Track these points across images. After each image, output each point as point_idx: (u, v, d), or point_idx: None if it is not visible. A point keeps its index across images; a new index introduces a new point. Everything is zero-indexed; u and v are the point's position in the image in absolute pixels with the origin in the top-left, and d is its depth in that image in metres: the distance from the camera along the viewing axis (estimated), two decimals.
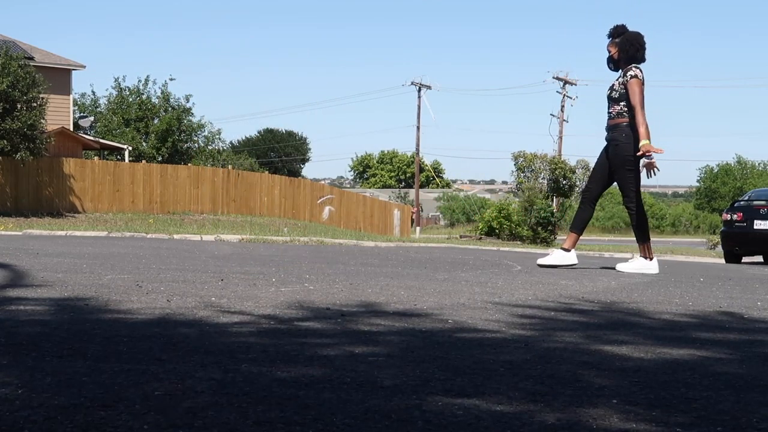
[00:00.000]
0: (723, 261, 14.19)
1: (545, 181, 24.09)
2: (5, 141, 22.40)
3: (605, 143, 6.98)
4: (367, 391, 1.86)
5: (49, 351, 2.24)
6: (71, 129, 30.97)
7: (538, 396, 1.88)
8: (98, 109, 47.07)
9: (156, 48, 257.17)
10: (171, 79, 53.76)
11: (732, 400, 1.91)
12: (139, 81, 45.60)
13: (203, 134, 46.19)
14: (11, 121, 22.39)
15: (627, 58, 6.81)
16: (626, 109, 6.73)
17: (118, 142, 37.72)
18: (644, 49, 6.86)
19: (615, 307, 3.92)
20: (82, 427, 1.50)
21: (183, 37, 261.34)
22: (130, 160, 34.69)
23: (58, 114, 29.55)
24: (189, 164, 35.34)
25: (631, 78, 6.70)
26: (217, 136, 47.51)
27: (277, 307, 3.38)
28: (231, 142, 75.12)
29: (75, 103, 38.63)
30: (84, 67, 32.03)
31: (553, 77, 45.51)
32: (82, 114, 40.78)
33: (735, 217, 13.84)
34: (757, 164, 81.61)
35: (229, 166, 35.40)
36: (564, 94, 45.26)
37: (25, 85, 22.93)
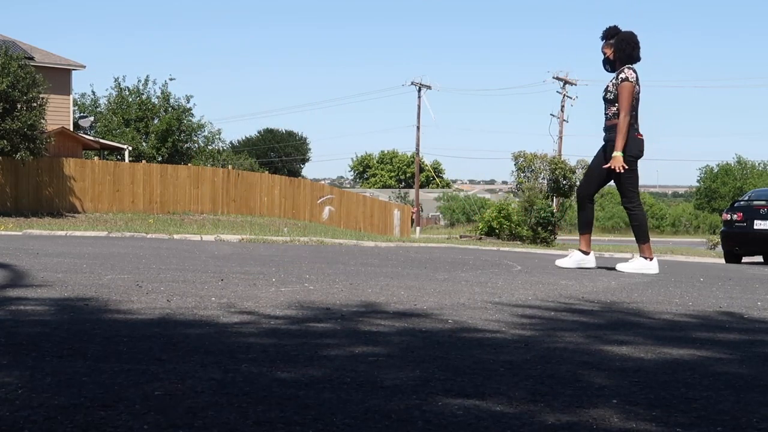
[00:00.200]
0: (723, 261, 14.20)
1: (545, 181, 24.08)
2: (5, 141, 22.40)
3: (603, 143, 7.00)
4: (367, 391, 1.86)
5: (49, 351, 2.24)
6: (71, 129, 30.97)
7: (538, 396, 1.88)
8: (98, 109, 47.07)
9: (156, 48, 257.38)
10: (171, 79, 53.82)
11: (732, 400, 1.91)
12: (139, 81, 45.65)
13: (203, 134, 46.22)
14: (11, 121, 22.39)
15: (623, 58, 6.83)
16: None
17: (118, 142, 37.73)
18: (639, 47, 6.89)
19: (615, 307, 3.92)
20: (82, 427, 1.50)
21: (183, 37, 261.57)
22: (130, 160, 34.69)
23: (58, 114, 29.55)
24: (189, 164, 35.34)
25: (622, 81, 6.73)
26: (217, 136, 47.54)
27: (277, 307, 3.38)
28: (231, 142, 75.20)
29: (75, 103, 38.63)
30: (84, 67, 32.04)
31: (553, 77, 45.51)
32: (82, 114, 40.78)
33: (735, 217, 13.84)
34: (757, 164, 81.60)
35: (229, 166, 35.41)
36: (564, 94, 45.27)
37: (25, 85, 22.93)
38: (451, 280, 5.20)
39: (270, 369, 2.08)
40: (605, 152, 6.91)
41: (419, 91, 50.15)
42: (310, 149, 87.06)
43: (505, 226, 24.50)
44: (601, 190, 7.74)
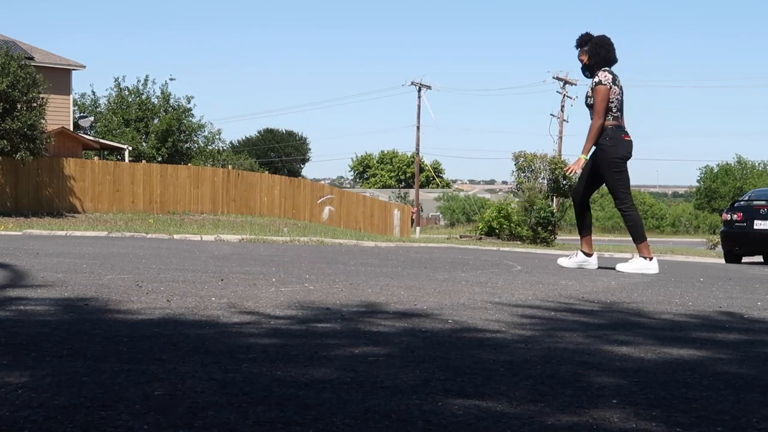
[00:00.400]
0: (723, 261, 14.19)
1: (545, 181, 24.06)
2: (5, 141, 22.40)
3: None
4: (367, 391, 1.86)
5: (49, 351, 2.24)
6: (71, 129, 30.97)
7: (538, 396, 1.88)
8: (98, 109, 47.08)
9: (156, 48, 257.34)
10: (171, 79, 53.85)
11: (732, 400, 1.91)
12: (139, 81, 45.65)
13: (203, 134, 46.22)
14: (11, 121, 22.39)
15: (599, 62, 6.94)
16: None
17: (118, 142, 37.73)
18: (614, 49, 6.99)
19: (615, 307, 3.92)
20: (82, 427, 1.50)
21: (183, 37, 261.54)
22: (130, 160, 34.69)
23: (58, 114, 29.55)
24: (189, 164, 35.35)
25: (596, 85, 6.84)
26: (217, 136, 47.54)
27: (277, 307, 3.38)
28: (231, 142, 75.22)
29: (75, 103, 38.63)
30: (84, 67, 32.04)
31: (553, 77, 45.49)
32: (82, 114, 40.78)
33: (735, 217, 13.84)
34: (757, 164, 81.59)
35: (229, 166, 35.41)
36: (564, 94, 45.26)
37: (25, 85, 22.93)
38: (451, 280, 5.20)
39: (270, 369, 2.08)
40: (594, 157, 6.97)
41: (419, 91, 50.16)
42: (310, 149, 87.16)
43: (505, 226, 24.49)
44: (601, 191, 7.76)
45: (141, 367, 2.05)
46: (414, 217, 43.23)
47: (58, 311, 3.07)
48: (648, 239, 7.13)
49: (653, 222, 73.70)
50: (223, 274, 4.99)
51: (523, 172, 24.30)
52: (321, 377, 2.00)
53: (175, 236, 12.94)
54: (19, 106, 22.86)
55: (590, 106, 6.93)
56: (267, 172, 44.29)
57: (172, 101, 45.13)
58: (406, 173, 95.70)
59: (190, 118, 44.71)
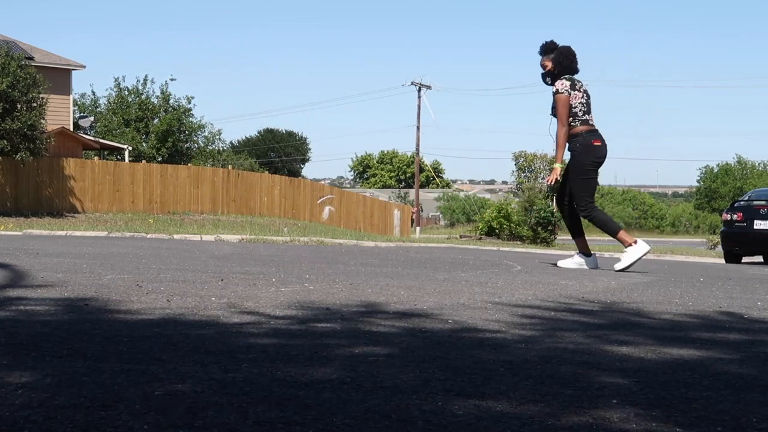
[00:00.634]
0: (723, 261, 14.19)
1: (545, 181, 24.10)
2: (5, 141, 22.40)
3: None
4: (367, 391, 1.86)
5: (49, 351, 2.24)
6: (71, 129, 30.98)
7: (538, 396, 1.88)
8: (98, 109, 47.10)
9: (156, 48, 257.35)
10: (172, 79, 53.73)
11: (732, 400, 1.91)
12: (138, 81, 45.66)
13: (203, 134, 46.24)
14: (11, 121, 22.40)
15: (562, 70, 7.16)
16: (572, 119, 7.00)
17: (118, 142, 37.75)
18: (576, 60, 7.22)
19: (615, 307, 3.92)
20: (82, 427, 1.50)
21: (183, 37, 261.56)
22: (130, 160, 34.70)
23: (58, 114, 29.56)
24: (189, 164, 35.35)
25: (555, 94, 7.06)
26: (217, 137, 47.55)
27: (277, 307, 3.38)
28: (231, 142, 75.18)
29: (75, 103, 38.64)
30: (84, 67, 32.05)
31: None
32: (82, 114, 40.79)
33: (735, 217, 13.84)
34: (757, 164, 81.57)
35: (229, 166, 35.42)
36: None
37: (25, 85, 22.94)
38: (451, 280, 5.20)
39: (270, 369, 2.08)
40: (568, 161, 7.19)
41: (419, 91, 50.15)
42: (310, 149, 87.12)
43: (505, 226, 24.49)
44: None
45: (141, 367, 2.05)
46: (414, 217, 43.22)
47: (58, 311, 3.07)
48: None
49: (653, 222, 73.69)
50: (223, 274, 4.99)
51: (523, 172, 24.32)
52: (321, 377, 2.00)
53: (175, 236, 12.94)
54: (19, 106, 22.86)
55: (555, 115, 7.14)
56: (267, 172, 44.30)
57: (172, 101, 45.16)
58: (406, 173, 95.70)
59: (190, 118, 44.72)
